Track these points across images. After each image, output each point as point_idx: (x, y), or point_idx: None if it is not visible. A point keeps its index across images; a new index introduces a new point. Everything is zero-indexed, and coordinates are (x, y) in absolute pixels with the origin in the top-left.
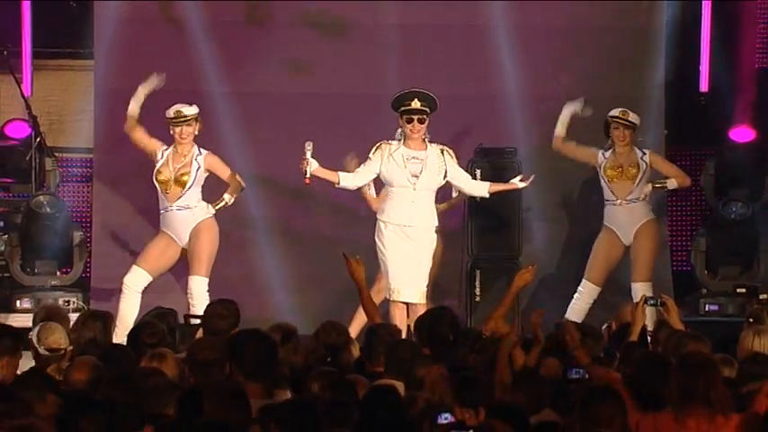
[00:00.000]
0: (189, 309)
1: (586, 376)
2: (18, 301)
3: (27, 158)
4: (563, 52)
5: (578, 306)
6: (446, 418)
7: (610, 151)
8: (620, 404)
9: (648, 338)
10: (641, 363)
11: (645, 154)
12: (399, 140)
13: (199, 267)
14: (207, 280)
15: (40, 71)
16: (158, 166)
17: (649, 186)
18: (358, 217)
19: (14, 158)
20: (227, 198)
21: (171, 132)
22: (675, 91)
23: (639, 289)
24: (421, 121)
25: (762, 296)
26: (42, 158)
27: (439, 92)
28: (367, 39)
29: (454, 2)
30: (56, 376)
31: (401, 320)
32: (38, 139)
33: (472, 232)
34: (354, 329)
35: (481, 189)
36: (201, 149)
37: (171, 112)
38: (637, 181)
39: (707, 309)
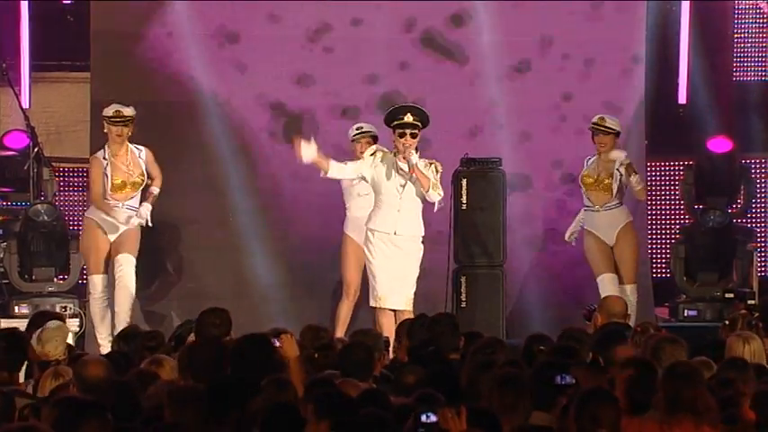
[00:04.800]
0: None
1: (573, 382)
2: (16, 307)
3: (25, 168)
4: (546, 64)
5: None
6: (429, 417)
7: (594, 158)
8: (616, 405)
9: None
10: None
11: (620, 164)
12: (393, 152)
13: (130, 247)
14: (134, 259)
15: (38, 83)
16: (110, 171)
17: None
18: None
19: (13, 168)
20: (155, 190)
21: (105, 130)
22: (655, 103)
23: (626, 291)
24: (413, 136)
25: (750, 302)
26: (40, 168)
27: (427, 102)
28: (357, 51)
29: (443, 15)
30: (51, 381)
31: (389, 327)
32: (36, 150)
33: (458, 239)
34: (340, 330)
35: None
36: (138, 146)
37: (110, 112)
38: (613, 191)
39: (686, 314)
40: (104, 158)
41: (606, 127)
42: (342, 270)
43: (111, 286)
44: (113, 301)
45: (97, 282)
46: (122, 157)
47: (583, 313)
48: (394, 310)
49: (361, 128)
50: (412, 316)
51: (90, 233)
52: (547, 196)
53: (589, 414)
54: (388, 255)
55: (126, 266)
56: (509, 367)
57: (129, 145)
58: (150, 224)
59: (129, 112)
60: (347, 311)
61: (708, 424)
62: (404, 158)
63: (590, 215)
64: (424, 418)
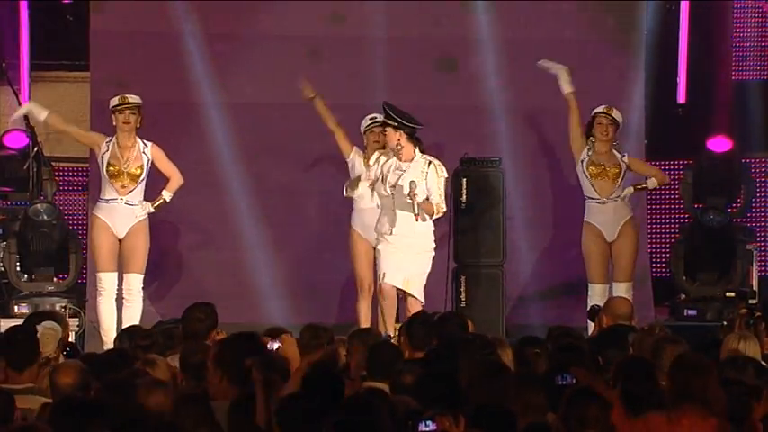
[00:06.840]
0: (123, 304)
1: (573, 382)
2: (16, 307)
3: (25, 167)
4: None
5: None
6: (428, 425)
7: (591, 148)
8: (604, 405)
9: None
10: (623, 366)
11: (624, 156)
12: (390, 153)
13: (138, 265)
14: (143, 276)
15: (38, 83)
16: (107, 158)
17: (631, 189)
18: (347, 223)
19: (12, 167)
20: (167, 195)
21: (114, 123)
22: (655, 103)
23: (622, 288)
24: (394, 129)
25: (750, 301)
26: (39, 168)
27: (425, 102)
28: (355, 51)
29: (441, 15)
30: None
31: (391, 304)
32: (35, 149)
33: (457, 238)
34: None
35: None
36: (146, 141)
37: (115, 101)
38: (619, 181)
39: (686, 313)
40: (107, 144)
41: (612, 117)
42: (353, 267)
43: (119, 284)
44: (118, 307)
45: (105, 279)
46: (127, 149)
47: (587, 313)
48: (402, 302)
49: (375, 117)
50: (419, 308)
51: (96, 231)
52: (548, 196)
53: (576, 414)
54: (392, 246)
55: (135, 289)
56: (525, 367)
57: (138, 138)
58: (153, 209)
59: (134, 98)
60: (366, 309)
61: (715, 416)
62: (395, 155)
63: (593, 207)
64: (422, 426)
